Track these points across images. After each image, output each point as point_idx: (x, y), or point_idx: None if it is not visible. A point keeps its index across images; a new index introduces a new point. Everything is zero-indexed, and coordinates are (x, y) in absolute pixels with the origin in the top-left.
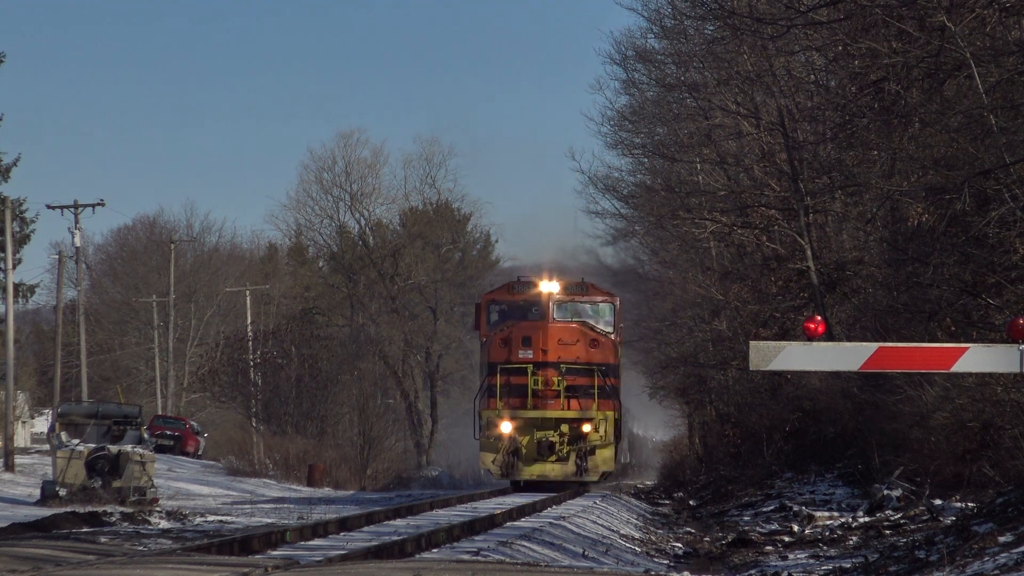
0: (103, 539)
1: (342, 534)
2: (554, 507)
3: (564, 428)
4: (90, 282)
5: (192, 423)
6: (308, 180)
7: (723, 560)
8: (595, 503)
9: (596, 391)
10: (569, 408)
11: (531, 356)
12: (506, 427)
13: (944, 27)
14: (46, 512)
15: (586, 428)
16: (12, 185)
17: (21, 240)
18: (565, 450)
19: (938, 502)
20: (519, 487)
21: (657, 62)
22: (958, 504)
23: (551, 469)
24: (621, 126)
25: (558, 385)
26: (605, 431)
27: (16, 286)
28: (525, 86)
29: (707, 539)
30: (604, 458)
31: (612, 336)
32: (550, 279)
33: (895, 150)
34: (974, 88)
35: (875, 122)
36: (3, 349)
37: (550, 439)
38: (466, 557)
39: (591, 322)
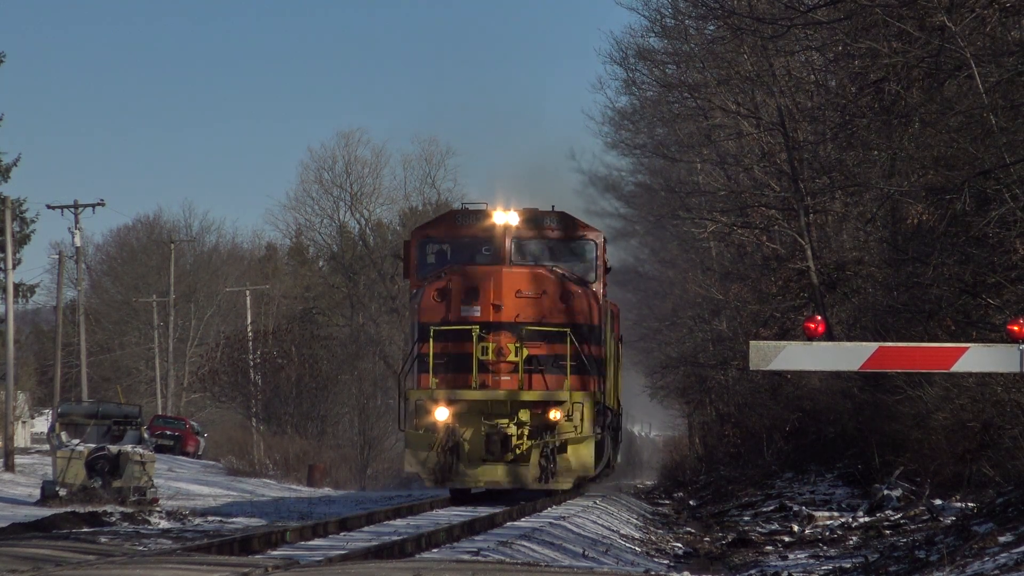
0: (103, 539)
1: (342, 534)
2: (553, 508)
3: (524, 415)
4: (90, 282)
5: (192, 423)
6: (308, 180)
7: (723, 560)
8: (595, 503)
9: (570, 363)
10: (531, 387)
11: (478, 314)
12: (442, 414)
13: (944, 27)
14: (46, 512)
15: (555, 415)
16: (12, 185)
17: (21, 240)
18: (525, 446)
19: (938, 502)
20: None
21: (657, 62)
22: (958, 504)
23: (505, 473)
24: (621, 126)
25: (516, 355)
26: (582, 419)
27: (16, 286)
28: (525, 86)
29: (707, 539)
30: (580, 457)
31: (594, 286)
32: (506, 208)
33: (895, 150)
34: (974, 88)
35: (875, 122)
36: (3, 349)
37: (504, 431)
38: (466, 557)
39: (564, 267)
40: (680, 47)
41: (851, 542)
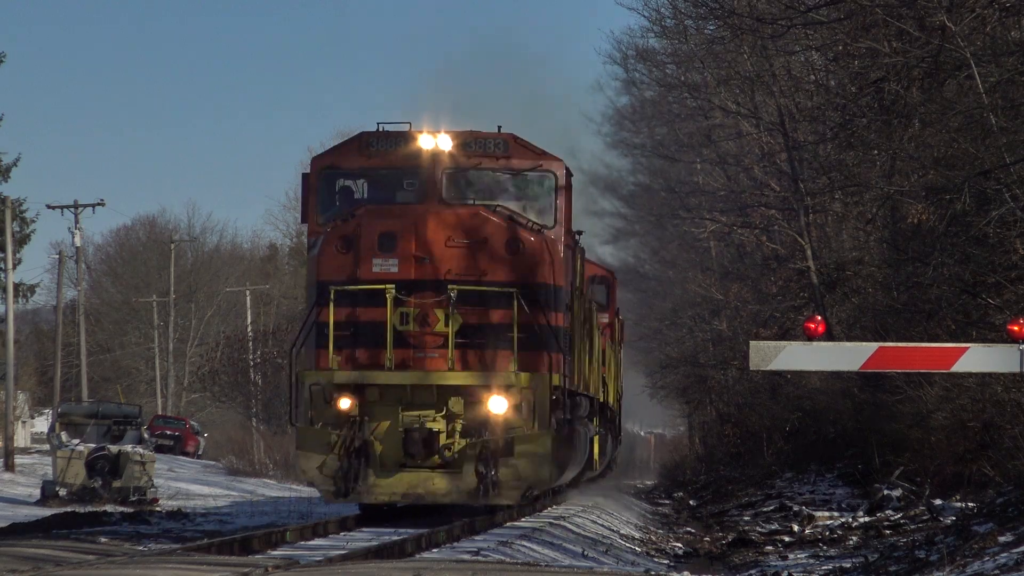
0: (103, 539)
1: (342, 534)
2: (553, 508)
3: (456, 405)
4: (90, 282)
5: (192, 423)
6: None
7: (723, 560)
8: (595, 503)
9: (517, 334)
10: (466, 367)
11: (395, 270)
12: (345, 404)
13: (944, 27)
14: (46, 512)
15: (495, 406)
16: (12, 185)
17: (21, 240)
18: (457, 447)
19: (938, 502)
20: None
21: (657, 62)
22: (958, 504)
23: (429, 483)
24: (621, 126)
25: (445, 324)
26: (534, 410)
27: (16, 286)
28: (524, 84)
29: (707, 539)
30: (529, 462)
31: (552, 233)
32: (436, 129)
33: (895, 150)
34: (974, 88)
35: (875, 122)
36: (3, 349)
37: (428, 426)
38: (466, 557)
39: (515, 206)
40: (680, 47)
41: (851, 542)
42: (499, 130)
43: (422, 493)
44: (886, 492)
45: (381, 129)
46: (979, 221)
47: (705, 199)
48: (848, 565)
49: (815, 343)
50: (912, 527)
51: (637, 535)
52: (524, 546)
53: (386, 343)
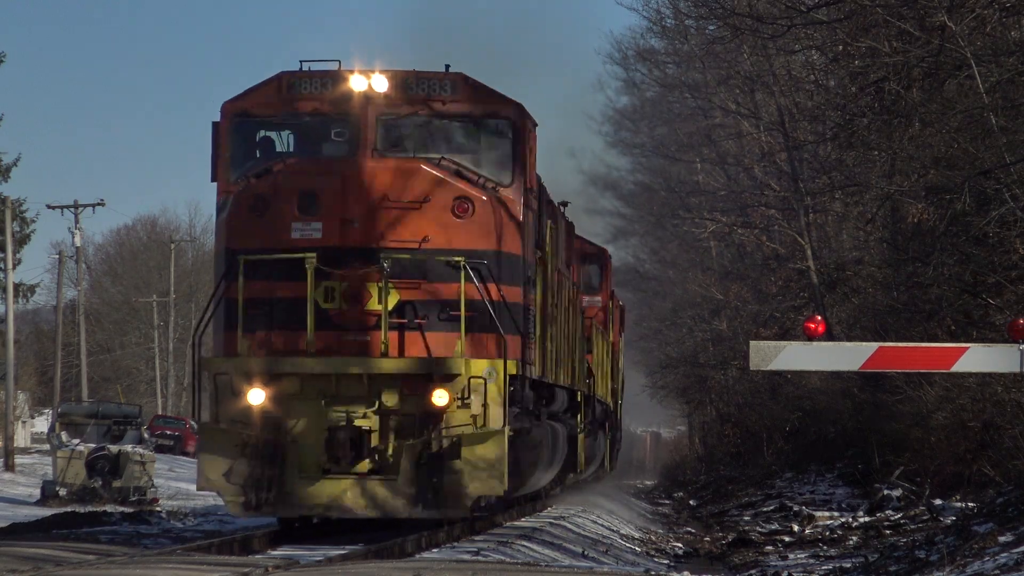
0: (103, 539)
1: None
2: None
3: (390, 399)
4: (90, 282)
5: (192, 423)
6: None
7: (723, 560)
8: (595, 503)
9: (465, 314)
10: (403, 353)
11: (318, 235)
12: (257, 397)
13: (944, 27)
14: (46, 512)
15: (439, 399)
16: (12, 185)
17: (21, 240)
18: (391, 449)
19: (938, 502)
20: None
21: (657, 62)
22: (958, 504)
23: (358, 493)
24: (621, 125)
25: (379, 300)
26: (486, 404)
27: (16, 286)
28: (525, 83)
29: (707, 539)
30: (479, 467)
31: (510, 191)
32: (369, 71)
33: (895, 150)
34: (974, 88)
35: (875, 122)
36: (3, 349)
37: (357, 424)
38: (466, 557)
39: (464, 159)
40: (680, 47)
41: (851, 542)
42: (447, 69)
43: (349, 505)
44: (886, 492)
45: (305, 68)
46: (979, 221)
47: (705, 199)
48: (848, 565)
49: (815, 343)
50: (912, 527)
51: (637, 535)
52: (524, 546)
53: (306, 325)
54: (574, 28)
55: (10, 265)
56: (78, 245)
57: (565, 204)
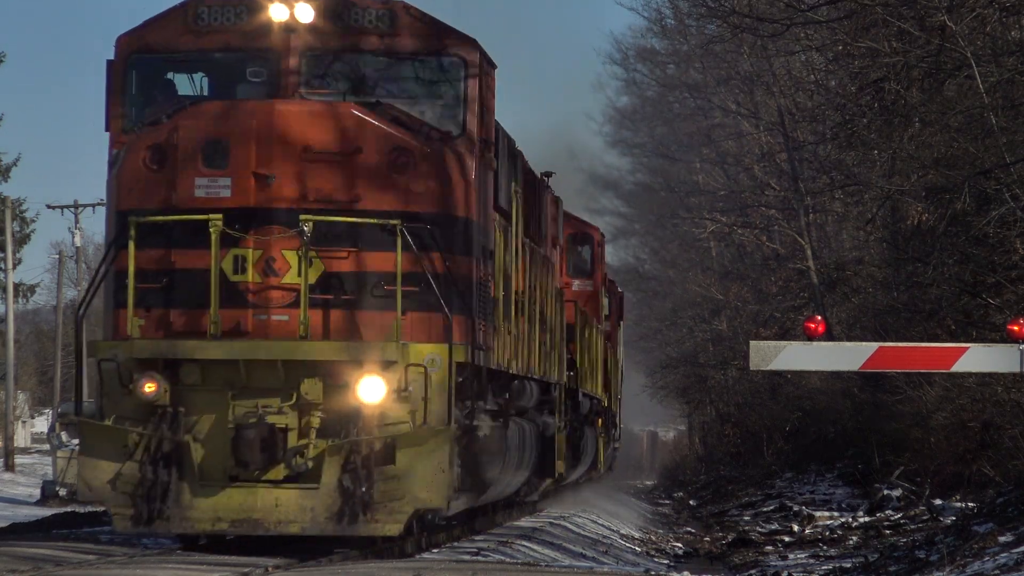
0: (103, 539)
1: None
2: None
3: (312, 390)
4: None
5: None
6: None
7: (723, 560)
8: (596, 502)
9: (402, 288)
10: (328, 335)
11: (226, 194)
12: (149, 388)
13: (944, 26)
14: (46, 512)
15: (369, 391)
16: (12, 185)
17: (21, 240)
18: (312, 452)
19: (938, 502)
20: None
21: (658, 62)
22: (958, 504)
23: (271, 505)
24: (621, 125)
25: (299, 272)
26: (427, 398)
27: (16, 286)
28: (524, 83)
29: (707, 539)
30: (418, 473)
31: (459, 142)
32: (292, 0)
33: (895, 150)
34: (974, 88)
35: (875, 122)
36: (3, 349)
37: (270, 421)
38: (466, 557)
39: (404, 104)
40: (680, 47)
41: (851, 542)
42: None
43: (259, 519)
44: (886, 492)
45: None
46: (979, 221)
47: (705, 199)
48: (848, 565)
49: (815, 343)
50: (912, 527)
51: (637, 535)
52: (524, 546)
53: (209, 300)
54: (573, 28)
55: (10, 265)
56: (78, 245)
57: (548, 175)
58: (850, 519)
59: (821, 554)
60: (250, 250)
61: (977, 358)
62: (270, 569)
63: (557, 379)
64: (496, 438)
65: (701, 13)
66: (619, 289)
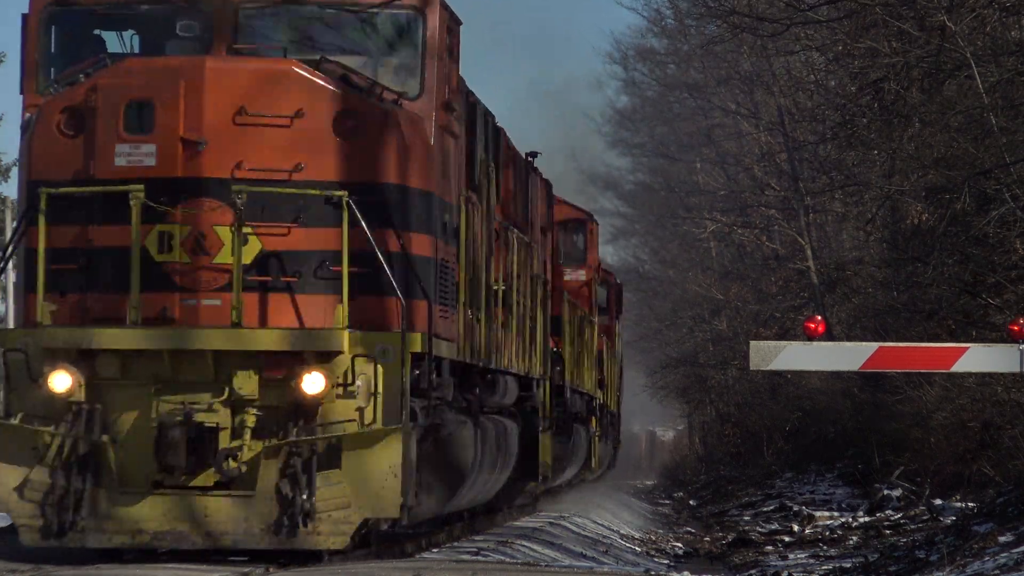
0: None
1: None
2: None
3: (245, 385)
4: None
5: None
6: None
7: (723, 560)
8: (596, 502)
9: (348, 269)
10: (265, 323)
11: (150, 162)
12: (62, 382)
13: (944, 27)
14: None
15: (312, 384)
16: (12, 185)
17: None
18: (247, 454)
19: (938, 502)
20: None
21: (657, 62)
22: (958, 504)
23: (201, 515)
24: (621, 125)
25: (233, 251)
26: (376, 393)
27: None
28: (524, 82)
29: (707, 539)
30: (366, 479)
31: (416, 104)
32: None
33: (895, 150)
34: (974, 88)
35: (875, 122)
36: None
37: (199, 419)
38: (466, 557)
39: (351, 64)
40: (680, 47)
41: (851, 542)
42: None
43: (185, 531)
44: (886, 492)
45: None
46: (979, 221)
47: (705, 199)
48: (848, 565)
49: (815, 343)
50: (912, 527)
51: (637, 535)
52: (524, 546)
53: (130, 282)
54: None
55: (9, 266)
56: None
57: (534, 155)
58: (850, 519)
59: (821, 554)
60: (178, 226)
61: (977, 358)
62: (270, 569)
63: (540, 374)
64: (465, 437)
65: (701, 13)
66: (617, 280)
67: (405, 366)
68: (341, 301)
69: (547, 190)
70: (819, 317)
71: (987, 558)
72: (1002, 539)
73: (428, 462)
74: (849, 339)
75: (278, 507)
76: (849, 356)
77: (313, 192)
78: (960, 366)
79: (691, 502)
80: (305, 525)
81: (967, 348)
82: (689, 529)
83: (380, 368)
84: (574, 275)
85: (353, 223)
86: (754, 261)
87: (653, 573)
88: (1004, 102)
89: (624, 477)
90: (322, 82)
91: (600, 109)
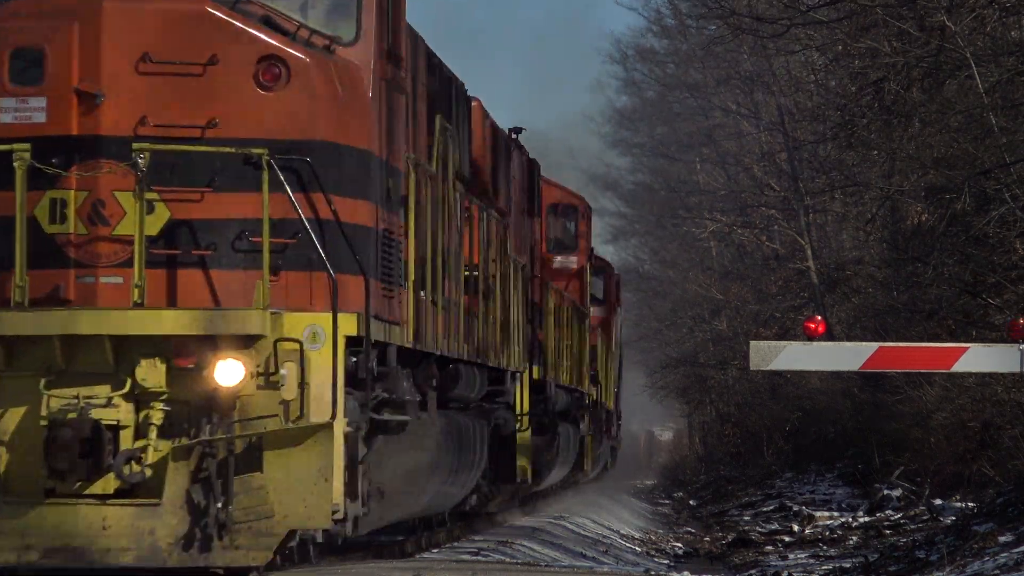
0: None
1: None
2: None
3: (151, 375)
4: None
5: None
6: None
7: (723, 560)
8: (596, 502)
9: (271, 240)
10: (175, 303)
11: (40, 119)
12: None
13: (944, 27)
14: None
15: (228, 374)
16: None
17: None
18: (152, 456)
19: (938, 502)
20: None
21: (657, 62)
22: (958, 504)
23: (96, 527)
24: (621, 125)
25: (137, 220)
26: (304, 384)
27: None
28: (524, 82)
29: (707, 539)
30: (299, 485)
31: (352, 50)
32: None
33: (895, 150)
34: (974, 88)
35: (875, 122)
36: None
37: (95, 416)
38: (466, 557)
39: (277, 6)
40: (680, 47)
41: (851, 542)
42: None
43: (81, 546)
44: (886, 492)
45: None
46: (979, 221)
47: (705, 199)
48: (848, 565)
49: (815, 343)
50: (912, 527)
51: (637, 535)
52: (524, 546)
53: (15, 261)
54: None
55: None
56: None
57: (519, 130)
58: (850, 519)
59: (821, 554)
60: (72, 191)
61: (977, 358)
62: (270, 569)
63: (516, 367)
64: (420, 436)
65: (701, 13)
66: (615, 271)
67: (338, 351)
68: (262, 277)
69: (531, 168)
70: (819, 317)
71: (987, 558)
72: (1002, 539)
73: (374, 464)
74: (849, 339)
75: (189, 518)
76: (849, 356)
77: (229, 151)
78: (960, 366)
79: (691, 502)
80: (221, 538)
81: (967, 348)
82: (689, 529)
83: (309, 355)
84: (564, 262)
85: (275, 186)
86: (754, 261)
87: (653, 573)
88: (1004, 102)
89: (624, 477)
90: (240, 24)
91: (600, 109)
